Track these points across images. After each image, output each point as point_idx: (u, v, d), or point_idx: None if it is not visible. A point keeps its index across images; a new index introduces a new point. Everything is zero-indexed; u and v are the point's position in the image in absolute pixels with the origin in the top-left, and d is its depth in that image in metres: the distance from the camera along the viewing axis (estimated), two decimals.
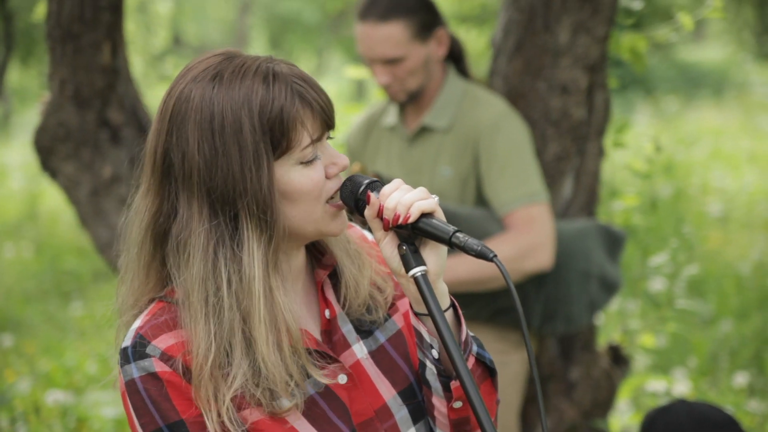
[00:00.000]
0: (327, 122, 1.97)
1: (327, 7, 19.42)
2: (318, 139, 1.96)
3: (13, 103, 20.60)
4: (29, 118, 20.29)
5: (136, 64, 11.11)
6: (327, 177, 1.98)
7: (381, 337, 2.12)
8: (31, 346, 7.17)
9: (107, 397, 5.84)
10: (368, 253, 2.15)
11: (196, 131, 1.90)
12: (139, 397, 1.92)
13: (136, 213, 2.00)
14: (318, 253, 2.11)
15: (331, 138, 2.02)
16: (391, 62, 3.73)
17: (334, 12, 19.19)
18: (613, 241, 3.90)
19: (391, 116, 3.94)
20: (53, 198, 12.76)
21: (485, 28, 11.31)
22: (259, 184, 1.90)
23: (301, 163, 1.94)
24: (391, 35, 3.70)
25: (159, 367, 1.91)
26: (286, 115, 1.91)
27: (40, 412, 5.71)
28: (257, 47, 25.75)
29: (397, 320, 2.16)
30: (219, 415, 1.90)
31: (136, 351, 1.93)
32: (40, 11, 6.00)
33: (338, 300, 2.11)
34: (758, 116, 16.18)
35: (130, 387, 1.93)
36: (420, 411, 2.11)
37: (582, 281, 3.80)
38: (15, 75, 17.35)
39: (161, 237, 1.97)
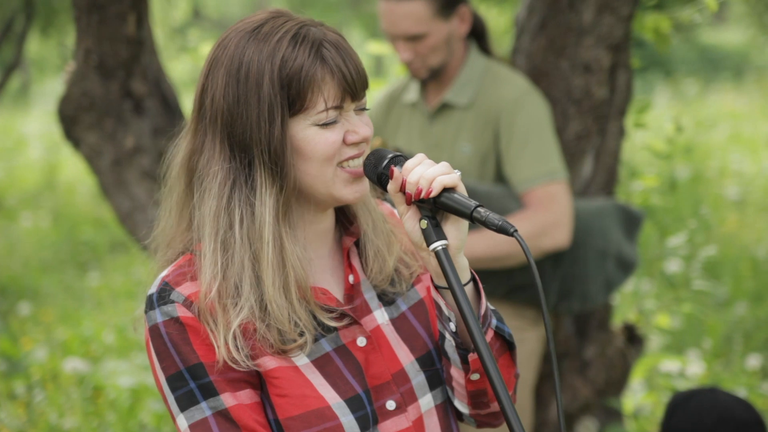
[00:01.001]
0: (350, 92, 2.00)
1: None
2: (337, 107, 1.99)
3: (31, 73, 20.63)
4: (48, 88, 20.33)
5: (156, 36, 11.11)
6: (345, 142, 2.01)
7: (403, 305, 2.16)
8: (48, 315, 7.22)
9: (124, 366, 5.89)
10: (398, 231, 2.18)
11: (225, 76, 1.99)
12: (161, 341, 1.98)
13: (177, 151, 2.08)
14: (347, 222, 2.15)
15: (364, 109, 2.05)
16: (414, 39, 3.74)
17: None
18: (631, 221, 3.91)
19: (413, 93, 3.95)
20: (71, 168, 12.82)
21: (506, 6, 11.27)
22: (271, 136, 1.97)
23: (317, 125, 1.99)
24: (414, 11, 3.71)
25: (181, 312, 1.97)
26: (304, 75, 1.96)
27: (57, 379, 5.76)
28: None
29: (420, 290, 2.19)
30: (225, 340, 1.95)
31: (161, 297, 1.99)
32: None
33: (363, 268, 2.14)
34: None
35: (154, 332, 1.99)
36: (437, 378, 2.14)
37: (599, 260, 3.81)
38: (34, 45, 17.36)
39: (192, 174, 2.05)
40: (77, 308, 7.70)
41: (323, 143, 1.99)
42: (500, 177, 3.78)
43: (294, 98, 1.97)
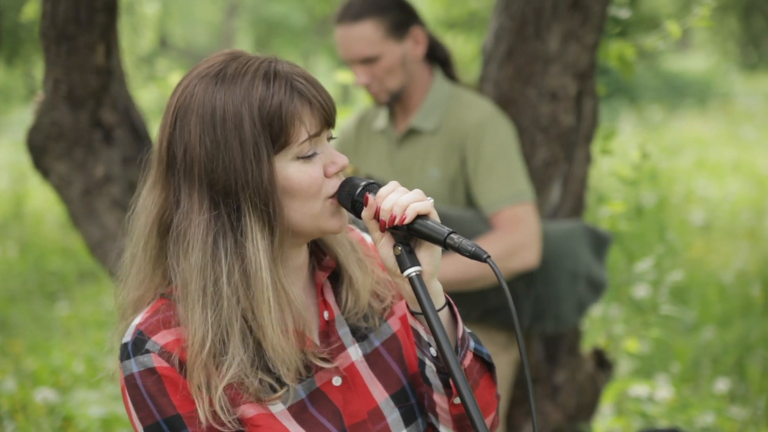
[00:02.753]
0: (326, 119, 2.02)
1: (314, 10, 19.44)
2: (316, 135, 2.00)
3: None
4: (14, 118, 20.22)
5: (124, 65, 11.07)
6: (326, 175, 2.02)
7: (376, 341, 2.17)
8: (17, 346, 7.17)
9: (94, 396, 5.85)
10: (367, 256, 2.20)
11: (198, 124, 1.96)
12: (137, 391, 1.97)
13: (143, 207, 2.04)
14: (321, 254, 2.16)
15: (332, 138, 2.07)
16: (368, 61, 3.80)
17: (321, 16, 19.22)
18: (600, 242, 3.96)
19: (381, 119, 3.99)
20: (38, 198, 12.75)
21: (473, 34, 11.34)
22: (260, 177, 1.95)
23: (299, 158, 1.99)
24: (364, 34, 3.77)
25: (158, 362, 1.96)
26: (285, 110, 1.96)
27: (26, 410, 5.72)
28: (243, 50, 25.68)
29: (393, 324, 2.21)
30: (211, 403, 1.94)
31: (136, 346, 1.97)
32: (29, 11, 6.00)
33: (337, 302, 2.15)
34: (742, 126, 16.27)
35: (129, 382, 1.98)
36: (412, 414, 2.15)
37: (570, 281, 3.85)
38: (0, 74, 17.30)
39: (166, 229, 2.01)
40: (46, 338, 7.65)
41: (308, 179, 1.99)
42: (471, 200, 3.82)
43: (277, 135, 1.96)
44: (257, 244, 1.96)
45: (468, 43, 10.62)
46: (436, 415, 2.15)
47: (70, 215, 4.06)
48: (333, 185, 2.03)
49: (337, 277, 2.17)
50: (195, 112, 1.97)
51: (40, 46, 3.94)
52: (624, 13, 4.24)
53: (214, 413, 1.95)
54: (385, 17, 3.79)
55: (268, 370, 1.99)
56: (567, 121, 4.03)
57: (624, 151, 7.29)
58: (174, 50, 24.41)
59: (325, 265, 2.14)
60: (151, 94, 11.01)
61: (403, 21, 3.83)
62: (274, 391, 1.99)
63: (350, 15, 3.80)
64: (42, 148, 3.97)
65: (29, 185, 13.01)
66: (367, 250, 2.21)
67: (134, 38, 13.40)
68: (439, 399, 2.12)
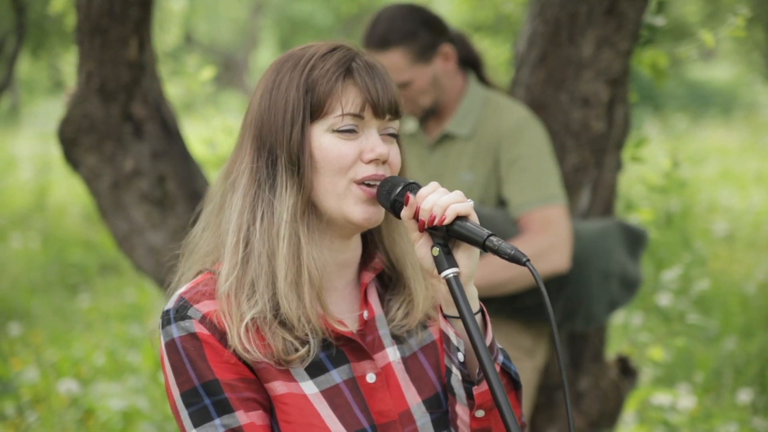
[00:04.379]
0: (374, 107, 2.06)
1: (341, 10, 19.45)
2: (356, 115, 2.05)
3: (21, 94, 20.63)
4: (38, 110, 20.33)
5: None
6: (361, 160, 2.06)
7: (415, 345, 2.18)
8: (38, 337, 7.20)
9: (115, 389, 5.87)
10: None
11: (264, 86, 2.10)
12: (178, 356, 2.00)
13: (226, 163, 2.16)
14: (372, 255, 2.18)
15: (394, 136, 2.10)
16: (399, 86, 3.76)
17: (347, 15, 19.23)
18: (634, 239, 3.93)
19: (411, 124, 3.98)
20: (62, 190, 12.80)
21: (498, 37, 11.33)
22: (293, 138, 2.04)
23: (334, 131, 2.05)
24: (393, 63, 3.74)
25: (199, 328, 2.01)
26: (327, 80, 2.05)
27: (47, 401, 5.75)
28: (267, 48, 25.76)
29: (433, 331, 2.21)
30: (238, 331, 1.99)
31: (178, 313, 2.03)
32: (57, 4, 6.02)
33: (384, 309, 2.17)
34: (766, 137, 16.21)
35: (170, 347, 2.02)
36: (443, 421, 2.15)
37: (603, 280, 3.82)
38: (25, 66, 17.38)
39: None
40: (67, 330, 7.68)
41: (336, 153, 2.04)
42: (501, 204, 3.81)
43: (316, 103, 2.05)
44: (284, 198, 2.05)
45: (494, 47, 10.60)
46: (456, 428, 2.14)
47: (98, 208, 4.07)
48: (365, 171, 2.06)
49: (387, 282, 2.19)
50: (266, 78, 2.11)
51: (74, 38, 3.96)
52: (659, 21, 4.23)
53: (240, 340, 1.99)
54: (412, 43, 3.75)
55: (286, 325, 2.03)
56: (598, 127, 4.02)
57: (651, 159, 7.27)
58: (198, 47, 24.47)
59: (373, 266, 2.17)
60: (176, 89, 11.03)
61: (431, 42, 3.79)
62: (296, 350, 2.02)
63: (376, 42, 3.75)
64: (73, 141, 3.98)
65: (53, 177, 13.06)
66: None
67: (160, 34, 13.45)
68: (462, 411, 2.11)
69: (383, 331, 2.15)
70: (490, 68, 4.10)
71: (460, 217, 1.98)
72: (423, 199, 2.00)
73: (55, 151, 4.08)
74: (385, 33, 3.74)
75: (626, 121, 4.11)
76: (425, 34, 3.78)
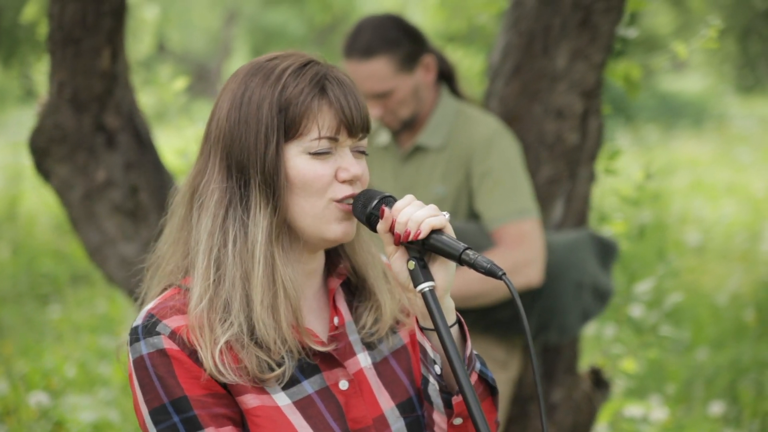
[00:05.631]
0: (348, 127, 2.04)
1: (314, 20, 19.45)
2: (331, 138, 2.03)
3: None
4: (9, 119, 20.17)
5: None
6: (336, 179, 2.05)
7: (386, 350, 2.18)
8: (8, 348, 7.14)
9: (86, 401, 5.83)
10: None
11: (230, 100, 2.06)
12: (146, 373, 1.98)
13: (187, 177, 2.14)
14: (336, 261, 2.18)
15: (363, 153, 2.09)
16: (381, 96, 3.76)
17: (321, 25, 19.23)
18: (606, 251, 3.94)
19: (384, 135, 3.97)
20: (32, 200, 12.71)
21: (472, 48, 11.34)
22: (266, 158, 2.01)
23: (310, 153, 2.03)
24: (376, 71, 3.74)
25: (168, 344, 1.98)
26: (302, 100, 2.02)
27: (17, 414, 5.70)
28: (240, 58, 25.69)
29: (403, 336, 2.21)
30: (212, 356, 1.97)
31: (147, 329, 2.00)
32: (30, 13, 5.98)
33: (354, 317, 2.16)
34: (737, 148, 16.30)
35: (138, 364, 1.99)
36: (417, 425, 2.15)
37: (576, 292, 3.83)
38: None
39: (195, 194, 2.10)
40: (38, 341, 7.62)
41: (312, 175, 2.02)
42: (472, 216, 3.81)
43: (290, 123, 2.02)
44: (258, 220, 2.02)
45: (467, 57, 10.61)
46: None
47: (69, 219, 4.05)
48: (341, 190, 2.05)
49: (354, 290, 2.19)
50: (231, 90, 2.06)
51: (46, 48, 3.93)
52: (632, 33, 4.24)
53: (214, 362, 1.97)
54: (396, 52, 3.76)
55: (262, 347, 2.02)
56: (572, 139, 4.03)
57: (623, 171, 7.30)
58: (171, 56, 24.40)
59: (339, 272, 2.16)
60: (149, 99, 10.99)
61: (414, 52, 3.80)
62: (272, 370, 2.01)
63: (360, 50, 3.75)
64: (44, 151, 3.95)
65: (23, 187, 12.97)
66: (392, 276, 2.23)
67: (132, 43, 13.40)
68: (439, 419, 2.11)
69: (353, 337, 2.15)
70: (464, 79, 4.11)
71: (435, 231, 1.98)
72: (398, 212, 2.00)
73: (26, 161, 4.05)
74: (370, 41, 3.74)
75: (600, 133, 4.12)
76: (408, 44, 3.78)
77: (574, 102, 4.00)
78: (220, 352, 1.97)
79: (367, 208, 2.03)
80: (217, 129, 2.06)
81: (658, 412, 5.37)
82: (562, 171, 4.04)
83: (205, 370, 1.98)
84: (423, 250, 2.00)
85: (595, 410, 4.32)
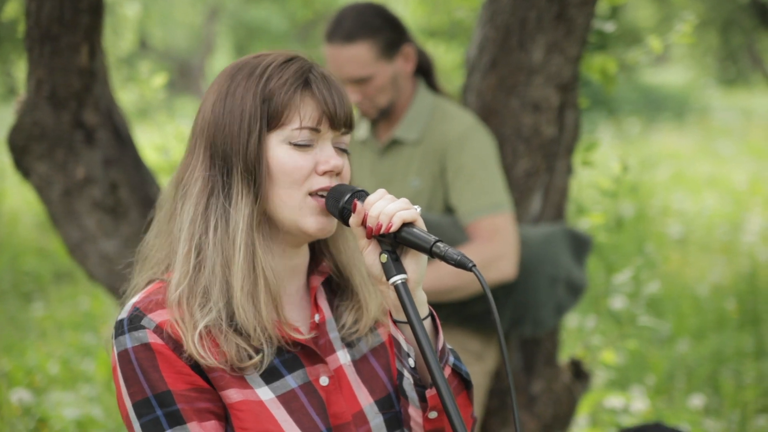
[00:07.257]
0: (330, 120, 2.07)
1: (296, 15, 19.44)
2: (313, 129, 2.06)
3: None
4: None
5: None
6: (316, 172, 2.07)
7: (364, 347, 2.20)
8: None
9: (69, 397, 5.83)
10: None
11: (216, 93, 2.09)
12: (130, 366, 2.00)
13: (175, 172, 2.16)
14: (319, 259, 2.20)
15: (345, 150, 2.12)
16: (360, 81, 3.79)
17: (303, 21, 19.22)
18: (580, 245, 3.97)
19: (363, 130, 4.00)
20: (14, 197, 12.68)
21: (454, 43, 11.35)
22: (248, 147, 2.04)
23: (291, 143, 2.05)
24: (357, 56, 3.76)
25: (152, 338, 2.00)
26: (285, 90, 2.05)
27: (0, 410, 5.69)
28: (222, 54, 25.67)
29: (382, 333, 2.24)
30: (192, 340, 1.99)
31: (132, 323, 2.02)
32: (10, 10, 5.97)
33: (335, 317, 2.19)
34: (718, 141, 16.36)
35: (123, 357, 2.01)
36: (396, 421, 2.17)
37: (550, 286, 3.85)
38: None
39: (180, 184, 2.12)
40: (21, 339, 7.61)
41: (292, 165, 2.05)
42: (448, 210, 3.83)
43: (273, 113, 2.05)
44: (240, 207, 2.05)
45: (448, 52, 10.62)
46: (410, 429, 2.17)
47: (49, 216, 4.05)
48: (319, 182, 2.08)
49: (336, 289, 2.21)
50: (218, 84, 2.10)
51: (24, 45, 3.93)
52: (609, 27, 4.26)
53: (194, 345, 1.99)
54: (378, 38, 3.79)
55: (242, 334, 2.04)
56: (549, 132, 4.05)
57: (603, 163, 7.33)
58: (153, 52, 24.36)
59: (321, 270, 2.19)
60: (131, 96, 10.97)
61: (395, 40, 3.83)
62: (250, 358, 2.03)
63: (342, 35, 3.78)
64: (23, 148, 3.95)
65: (5, 184, 12.94)
66: None
67: (114, 39, 13.37)
68: (414, 413, 2.13)
69: (333, 335, 2.17)
70: (443, 74, 4.13)
71: (406, 224, 2.00)
72: (371, 206, 2.02)
73: (6, 159, 4.06)
74: (352, 26, 3.77)
75: (576, 126, 4.14)
76: (390, 32, 3.82)
77: (551, 95, 4.02)
78: (200, 336, 1.99)
79: (339, 203, 2.05)
80: (202, 121, 2.10)
81: (638, 403, 5.40)
82: (539, 164, 4.06)
83: (187, 364, 1.99)
84: (395, 243, 2.03)
85: (575, 402, 4.35)
